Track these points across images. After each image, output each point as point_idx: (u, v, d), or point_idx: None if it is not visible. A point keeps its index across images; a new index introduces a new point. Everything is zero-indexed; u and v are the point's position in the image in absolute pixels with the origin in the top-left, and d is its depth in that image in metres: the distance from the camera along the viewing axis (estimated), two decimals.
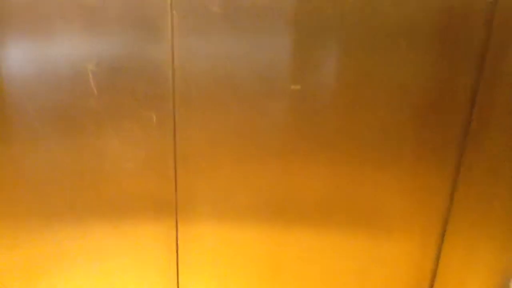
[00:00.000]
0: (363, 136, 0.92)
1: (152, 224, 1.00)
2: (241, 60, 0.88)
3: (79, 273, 1.03)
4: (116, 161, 0.95)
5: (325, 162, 0.94)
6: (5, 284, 1.03)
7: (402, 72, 0.87)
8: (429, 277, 1.02)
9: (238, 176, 0.96)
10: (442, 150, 0.92)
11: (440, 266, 1.00)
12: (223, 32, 0.86)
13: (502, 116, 0.82)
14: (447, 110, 0.89)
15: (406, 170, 0.94)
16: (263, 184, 0.96)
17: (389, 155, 0.93)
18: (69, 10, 0.84)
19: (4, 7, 0.83)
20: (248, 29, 0.85)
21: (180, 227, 1.00)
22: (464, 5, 0.82)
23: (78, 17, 0.84)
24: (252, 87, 0.89)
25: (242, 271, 1.04)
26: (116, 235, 1.01)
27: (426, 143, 0.92)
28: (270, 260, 1.03)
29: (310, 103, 0.90)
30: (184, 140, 0.93)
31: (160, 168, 0.95)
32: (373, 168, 0.94)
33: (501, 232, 0.83)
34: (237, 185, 0.96)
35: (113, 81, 0.89)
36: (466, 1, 0.82)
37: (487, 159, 0.86)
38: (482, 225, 0.87)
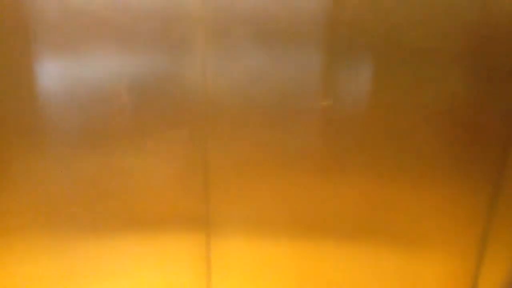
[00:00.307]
0: (398, 154, 0.91)
1: (184, 241, 1.01)
2: (270, 78, 0.88)
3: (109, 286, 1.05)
4: (148, 179, 0.96)
5: (358, 180, 0.93)
6: None
7: (439, 91, 0.85)
8: None
9: (269, 193, 0.96)
10: (481, 168, 0.89)
11: (478, 284, 0.95)
12: (253, 51, 0.87)
13: None
14: (485, 128, 0.87)
15: (443, 188, 0.91)
16: (295, 201, 0.96)
17: (425, 173, 0.91)
18: (102, 29, 0.85)
19: (40, 23, 0.85)
20: (278, 46, 0.86)
21: (212, 243, 1.00)
22: (502, 19, 0.80)
23: (111, 36, 0.86)
24: (282, 105, 0.90)
25: (273, 284, 1.03)
26: (146, 252, 1.02)
27: (464, 162, 0.90)
28: (303, 276, 1.02)
29: (342, 120, 0.90)
30: (215, 158, 0.94)
31: (192, 186, 0.97)
32: (409, 186, 0.92)
33: None
34: (268, 201, 0.97)
35: (145, 100, 0.90)
36: (503, 14, 0.80)
37: None
38: None
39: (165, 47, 0.87)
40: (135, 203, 0.98)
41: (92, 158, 0.95)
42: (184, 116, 0.92)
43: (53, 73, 0.89)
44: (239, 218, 0.99)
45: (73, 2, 0.83)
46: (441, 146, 0.89)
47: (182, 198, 0.98)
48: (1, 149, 0.93)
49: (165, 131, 0.93)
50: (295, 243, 0.99)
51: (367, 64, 0.86)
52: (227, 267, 1.02)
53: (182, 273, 1.04)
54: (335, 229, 0.97)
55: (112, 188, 0.97)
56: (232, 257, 1.01)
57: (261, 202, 0.97)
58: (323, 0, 0.82)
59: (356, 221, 0.96)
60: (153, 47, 0.88)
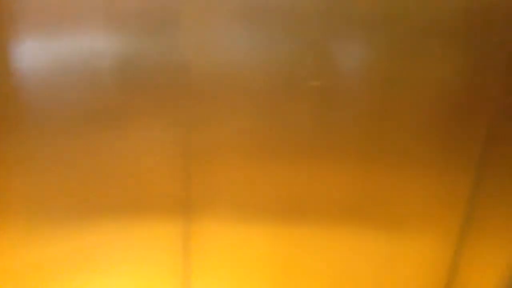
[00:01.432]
0: (383, 135, 0.90)
1: (164, 223, 0.97)
2: (258, 57, 0.86)
3: (87, 273, 1.01)
4: (129, 160, 0.92)
5: (344, 161, 0.92)
6: (13, 285, 1.00)
7: (428, 72, 0.85)
8: (447, 276, 0.99)
9: (255, 176, 0.94)
10: (465, 150, 0.90)
11: (459, 265, 0.98)
12: (239, 30, 0.85)
13: None
14: (471, 109, 0.88)
15: (428, 169, 0.92)
16: (281, 184, 0.94)
17: (410, 154, 0.91)
18: (85, 5, 0.82)
19: (18, 2, 0.80)
20: (266, 25, 0.84)
21: (192, 226, 0.97)
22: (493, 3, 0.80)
23: (92, 16, 0.82)
24: (270, 85, 0.88)
25: (255, 271, 1.01)
26: (126, 234, 0.98)
27: (449, 143, 0.91)
28: (286, 259, 1.00)
29: (331, 101, 0.88)
30: (198, 140, 0.91)
31: (174, 168, 0.93)
32: (394, 167, 0.92)
33: None
34: (253, 184, 0.94)
35: (129, 78, 0.87)
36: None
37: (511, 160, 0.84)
38: (504, 225, 0.85)
39: (147, 27, 0.84)
40: (114, 188, 0.94)
41: (71, 142, 0.90)
42: (167, 99, 0.89)
43: (34, 51, 0.84)
44: (221, 203, 0.96)
45: None
46: (428, 127, 0.89)
47: (164, 180, 0.94)
48: None
49: (147, 115, 0.90)
50: (279, 228, 0.97)
51: (359, 44, 0.85)
52: (207, 253, 0.99)
53: (161, 258, 1.00)
54: (320, 213, 0.96)
55: (91, 173, 0.93)
56: (213, 243, 0.99)
57: (245, 187, 0.95)
58: None
59: (341, 205, 0.95)
60: (135, 27, 0.84)
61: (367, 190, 0.94)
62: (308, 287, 1.02)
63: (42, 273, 0.98)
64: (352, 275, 1.01)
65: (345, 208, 0.95)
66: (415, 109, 0.88)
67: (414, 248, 0.98)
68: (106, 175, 0.93)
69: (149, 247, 0.99)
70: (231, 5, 0.83)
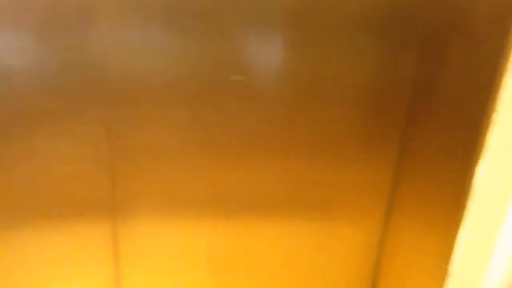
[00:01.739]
0: (310, 128, 0.91)
1: (92, 226, 0.94)
2: (181, 54, 0.84)
3: (18, 277, 0.98)
4: (52, 163, 0.88)
5: (272, 154, 0.93)
6: None
7: (349, 65, 0.86)
8: (374, 262, 1.04)
9: (183, 174, 0.93)
10: (386, 140, 0.93)
11: (384, 252, 1.02)
12: (160, 25, 0.82)
13: (442, 105, 0.83)
14: (390, 100, 0.90)
15: (353, 160, 0.94)
16: (209, 179, 0.94)
17: (336, 145, 0.93)
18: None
19: None
20: (188, 21, 0.81)
21: (119, 226, 0.95)
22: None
23: (8, 11, 0.76)
24: (194, 81, 0.86)
25: (186, 265, 1.01)
26: (54, 238, 0.94)
27: (372, 133, 0.93)
28: (219, 254, 1.01)
29: (256, 95, 0.88)
30: (122, 139, 0.88)
31: (98, 169, 0.90)
32: (321, 158, 0.94)
33: (444, 218, 0.84)
34: (182, 183, 0.93)
35: (46, 79, 0.82)
36: None
37: (429, 147, 0.87)
38: (425, 211, 0.89)
39: (64, 26, 0.79)
40: (39, 192, 0.90)
41: None
42: (88, 97, 0.85)
43: None
44: (149, 202, 0.94)
45: None
46: (351, 119, 0.91)
47: (88, 182, 0.91)
48: None
49: (68, 117, 0.86)
50: (210, 223, 0.97)
51: (280, 39, 0.84)
52: (137, 253, 0.98)
53: (91, 261, 0.98)
54: (252, 205, 0.96)
55: (15, 177, 0.88)
56: (142, 243, 0.97)
57: (173, 182, 0.93)
58: None
59: (273, 197, 0.96)
60: (49, 23, 0.79)
61: (298, 181, 0.95)
62: (243, 279, 1.03)
63: None
64: (286, 264, 1.03)
65: (277, 199, 0.97)
66: (340, 102, 0.89)
67: (344, 234, 1.01)
68: (31, 179, 0.89)
69: (79, 250, 0.96)
70: (148, 5, 0.80)
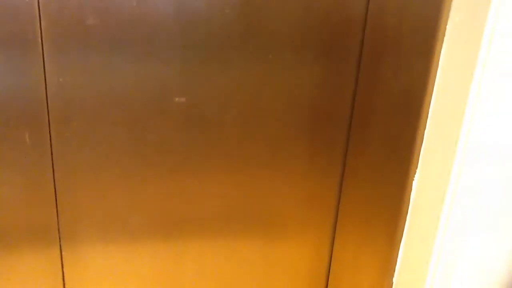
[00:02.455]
0: (254, 145, 0.92)
1: (35, 253, 0.92)
2: (122, 74, 0.83)
3: None
4: None
5: (217, 173, 0.93)
6: None
7: (291, 85, 0.88)
8: (324, 276, 1.05)
9: (127, 196, 0.91)
10: (329, 154, 0.95)
11: (333, 265, 1.03)
12: (100, 44, 0.81)
13: (380, 121, 0.85)
14: (331, 117, 0.92)
15: (298, 175, 0.95)
16: (155, 202, 0.93)
17: (281, 162, 0.94)
18: None
19: None
20: (129, 41, 0.82)
21: (65, 254, 0.93)
22: (342, 18, 0.84)
23: None
24: (137, 102, 0.85)
25: (132, 287, 1.00)
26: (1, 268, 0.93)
27: (315, 150, 0.94)
28: (167, 276, 0.99)
29: (199, 116, 0.88)
30: (64, 161, 0.86)
31: (39, 193, 0.88)
32: (266, 175, 0.94)
33: (386, 231, 0.86)
34: (126, 205, 0.92)
35: None
36: (344, 14, 0.84)
37: (369, 159, 0.89)
38: (368, 224, 0.90)
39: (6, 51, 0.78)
40: None
41: None
42: (25, 117, 0.83)
43: None
44: (94, 224, 0.92)
45: None
46: (294, 136, 0.92)
47: (30, 207, 0.89)
48: None
49: (4, 135, 0.83)
50: (157, 245, 0.96)
51: (220, 61, 0.85)
52: (83, 275, 0.96)
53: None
54: (198, 226, 0.96)
55: None
56: (89, 265, 0.95)
57: (119, 206, 0.92)
58: None
59: (219, 215, 0.96)
60: None
61: (242, 199, 0.96)
62: None
63: None
64: (233, 283, 1.03)
65: (222, 218, 0.96)
66: (283, 118, 0.90)
67: (291, 248, 1.02)
68: None
69: (27, 280, 0.94)
70: (90, 20, 0.79)
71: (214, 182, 0.93)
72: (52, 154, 0.86)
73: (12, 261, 0.92)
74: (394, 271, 0.83)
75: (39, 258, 0.93)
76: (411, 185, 0.77)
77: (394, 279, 0.84)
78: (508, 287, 0.80)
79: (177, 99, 0.86)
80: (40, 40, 0.78)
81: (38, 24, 0.78)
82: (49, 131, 0.85)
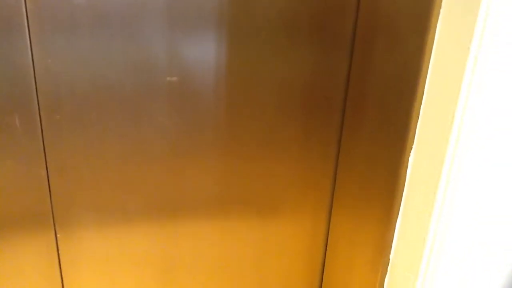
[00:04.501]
0: (249, 127, 0.91)
1: (30, 237, 0.91)
2: (112, 54, 0.81)
3: None
4: None
5: (213, 155, 0.92)
6: None
7: (285, 66, 0.87)
8: (321, 255, 1.05)
9: (121, 178, 0.90)
10: (325, 135, 0.94)
11: (329, 244, 1.04)
12: (88, 24, 0.79)
13: (375, 101, 0.84)
14: (326, 98, 0.91)
15: (293, 156, 0.95)
16: (149, 184, 0.92)
17: (276, 144, 0.93)
18: None
19: None
20: (118, 21, 0.80)
21: (60, 237, 0.93)
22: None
23: None
24: (128, 82, 0.84)
25: (132, 272, 0.99)
26: None
27: (310, 131, 0.93)
28: (163, 258, 0.99)
29: (191, 95, 0.87)
30: (56, 145, 0.85)
31: (32, 177, 0.87)
32: (261, 157, 0.94)
33: (382, 208, 0.86)
34: (120, 187, 0.91)
35: None
36: None
37: (365, 141, 0.88)
38: (364, 202, 0.91)
39: None
40: None
41: None
42: (15, 101, 0.81)
43: None
44: (88, 207, 0.92)
45: None
46: (289, 118, 0.91)
47: (23, 192, 0.88)
48: None
49: None
50: (151, 227, 0.95)
51: (213, 41, 0.83)
52: (79, 258, 0.96)
53: (35, 272, 0.95)
54: (193, 208, 0.96)
55: None
56: (84, 248, 0.95)
57: (113, 188, 0.91)
58: None
59: (215, 197, 0.95)
60: None
61: (238, 180, 0.95)
62: (185, 281, 1.03)
63: None
64: (229, 264, 1.03)
65: (218, 199, 0.96)
66: (277, 101, 0.89)
67: (287, 229, 1.02)
68: None
69: (22, 265, 0.94)
70: (79, 13, 0.77)
71: (209, 163, 0.93)
72: (43, 138, 0.85)
73: (6, 246, 0.91)
74: (391, 248, 0.84)
75: (34, 242, 0.92)
76: (407, 163, 0.77)
77: (390, 256, 0.84)
78: (504, 260, 0.81)
79: (168, 78, 0.85)
80: (26, 22, 0.77)
81: (24, 5, 0.76)
82: (39, 115, 0.83)
